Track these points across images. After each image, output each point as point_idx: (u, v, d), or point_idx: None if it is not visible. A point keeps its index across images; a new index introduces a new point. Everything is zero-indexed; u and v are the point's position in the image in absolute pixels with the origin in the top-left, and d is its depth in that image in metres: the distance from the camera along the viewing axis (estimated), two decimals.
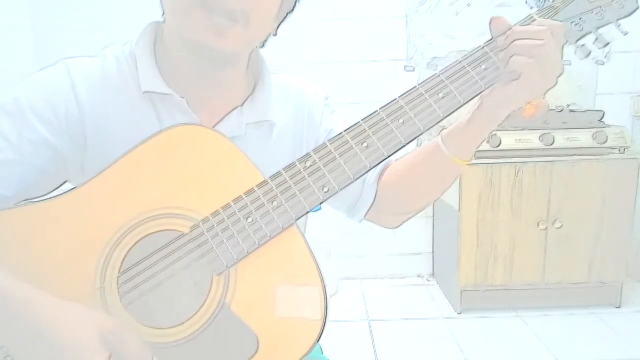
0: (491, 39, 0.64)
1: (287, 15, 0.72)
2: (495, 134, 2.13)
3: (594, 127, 2.17)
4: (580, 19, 0.64)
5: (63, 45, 2.34)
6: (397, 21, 2.52)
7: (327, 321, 0.56)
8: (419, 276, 2.77)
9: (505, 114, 0.67)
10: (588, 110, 2.35)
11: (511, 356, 1.98)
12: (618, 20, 0.64)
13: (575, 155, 2.15)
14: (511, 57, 0.61)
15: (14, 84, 0.66)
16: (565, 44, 0.64)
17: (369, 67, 2.56)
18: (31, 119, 0.62)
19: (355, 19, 2.52)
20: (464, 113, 0.70)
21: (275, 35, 0.73)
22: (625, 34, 0.64)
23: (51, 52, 2.38)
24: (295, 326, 0.57)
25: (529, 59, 0.60)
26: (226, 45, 0.64)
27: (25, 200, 0.63)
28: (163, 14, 0.71)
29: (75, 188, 0.62)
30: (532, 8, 0.67)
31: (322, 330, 0.56)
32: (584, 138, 2.15)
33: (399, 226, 0.84)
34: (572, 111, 2.33)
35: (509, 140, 2.15)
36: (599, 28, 0.64)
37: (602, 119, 2.24)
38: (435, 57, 2.51)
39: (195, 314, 0.57)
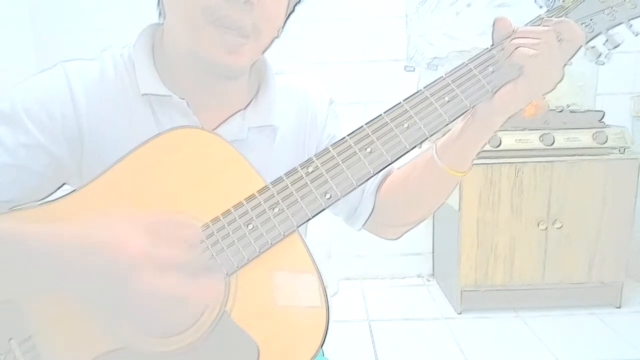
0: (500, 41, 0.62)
1: (288, 17, 0.72)
2: (496, 134, 2.13)
3: (594, 127, 2.17)
4: (591, 20, 0.62)
5: (63, 45, 2.34)
6: (397, 21, 2.52)
7: (328, 332, 0.56)
8: (419, 276, 2.76)
9: (500, 121, 0.65)
10: (588, 110, 2.35)
11: (511, 356, 1.98)
12: (630, 20, 0.62)
13: (575, 155, 2.15)
14: (516, 48, 0.59)
15: (13, 85, 0.65)
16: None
17: (369, 67, 2.55)
18: (26, 124, 0.61)
19: (355, 19, 2.51)
20: (457, 121, 0.67)
21: (278, 37, 0.73)
22: (637, 34, 0.63)
23: (51, 53, 2.39)
24: (296, 335, 0.56)
25: (532, 50, 0.58)
26: (237, 62, 0.64)
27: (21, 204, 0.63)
28: (160, 15, 0.70)
29: (71, 192, 0.61)
30: (541, 7, 0.65)
31: (323, 341, 0.55)
32: (584, 138, 2.14)
33: (399, 237, 0.83)
34: (572, 111, 2.33)
35: (509, 140, 2.14)
36: (609, 29, 0.63)
37: (602, 119, 2.24)
38: (435, 57, 2.50)
39: (196, 322, 0.56)
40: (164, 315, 0.53)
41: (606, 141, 2.12)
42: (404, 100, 0.62)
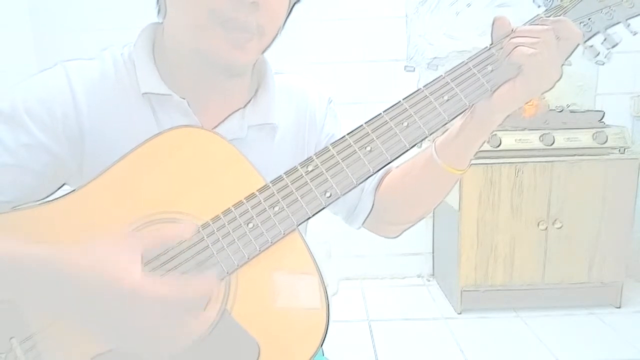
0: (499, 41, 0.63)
1: (287, 17, 0.72)
2: (495, 134, 2.13)
3: (594, 127, 2.17)
4: (589, 19, 0.62)
5: (63, 45, 2.34)
6: (397, 21, 2.52)
7: (328, 330, 0.56)
8: (419, 276, 2.77)
9: (499, 119, 0.65)
10: (588, 110, 2.35)
11: (511, 356, 1.98)
12: (627, 19, 0.62)
13: (575, 155, 2.15)
14: (515, 47, 0.59)
15: (13, 85, 0.65)
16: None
17: (369, 67, 2.56)
18: (27, 123, 0.61)
19: (355, 19, 2.51)
20: (456, 120, 0.67)
21: (278, 36, 0.73)
22: (634, 33, 0.63)
23: (51, 53, 2.39)
24: (295, 334, 0.56)
25: (530, 48, 0.58)
26: (242, 59, 0.64)
27: (21, 204, 0.63)
28: (159, 12, 0.70)
29: (71, 192, 0.62)
30: (539, 7, 0.66)
31: (323, 341, 0.56)
32: (584, 138, 2.15)
33: (399, 235, 0.83)
34: (572, 111, 2.33)
35: (509, 140, 2.14)
36: (607, 28, 0.63)
37: (602, 119, 2.24)
38: (435, 57, 2.51)
39: None
40: (158, 340, 0.54)
41: (606, 141, 2.12)
42: (403, 99, 0.62)
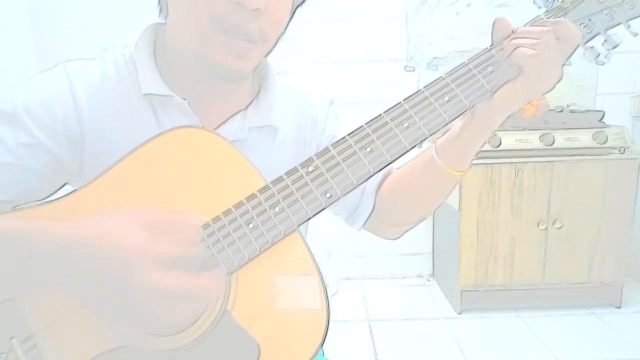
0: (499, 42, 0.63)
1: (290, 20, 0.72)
2: (496, 134, 2.13)
3: (594, 127, 2.17)
4: (590, 20, 0.63)
5: (63, 45, 2.34)
6: (397, 21, 2.52)
7: (328, 331, 0.56)
8: (419, 276, 2.77)
9: (499, 120, 0.65)
10: (588, 110, 2.35)
11: (511, 356, 1.98)
12: (628, 20, 0.62)
13: (575, 155, 2.15)
14: (515, 48, 0.59)
15: (13, 85, 0.65)
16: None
17: (369, 67, 2.56)
18: (27, 123, 0.62)
19: (355, 19, 2.52)
20: (456, 121, 0.67)
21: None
22: (635, 34, 0.63)
23: (51, 53, 2.39)
24: (296, 334, 0.57)
25: (531, 50, 0.58)
26: (244, 66, 0.65)
27: (21, 204, 0.63)
28: (160, 12, 0.70)
29: (72, 192, 0.61)
30: (540, 8, 0.66)
31: (323, 341, 0.56)
32: (584, 138, 2.15)
33: (400, 237, 0.83)
34: (572, 111, 2.33)
35: (509, 140, 2.15)
36: (608, 29, 0.63)
37: (602, 119, 2.24)
38: (435, 57, 2.51)
39: (197, 320, 0.56)
40: (164, 311, 0.52)
41: (606, 141, 2.13)
42: (403, 100, 0.62)
